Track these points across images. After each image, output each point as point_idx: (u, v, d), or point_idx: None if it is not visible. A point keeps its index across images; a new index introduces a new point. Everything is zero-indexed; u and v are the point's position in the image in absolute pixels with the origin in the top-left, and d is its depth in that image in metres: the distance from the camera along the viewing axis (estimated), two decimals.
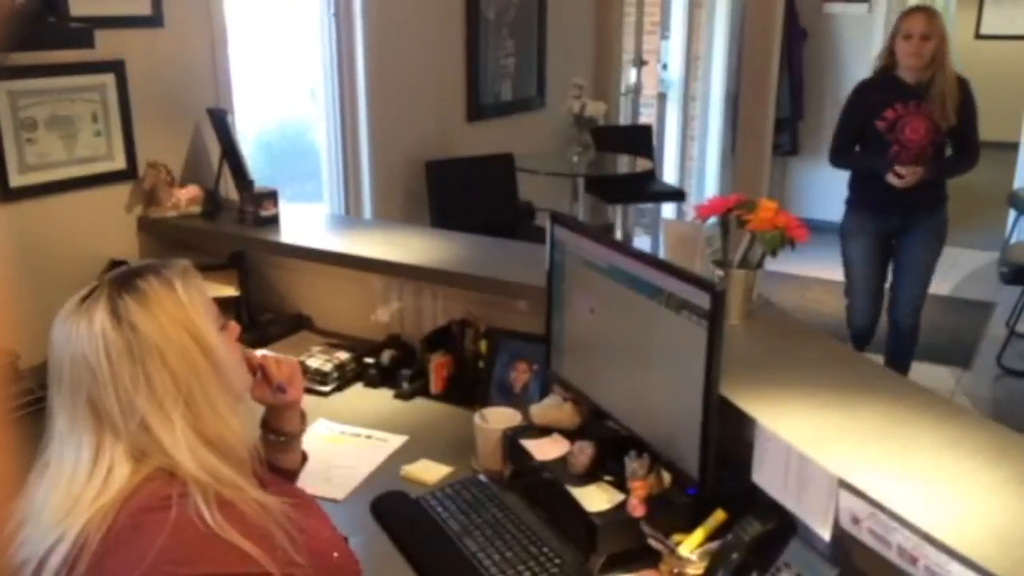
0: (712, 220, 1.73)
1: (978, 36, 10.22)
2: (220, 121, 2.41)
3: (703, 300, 1.29)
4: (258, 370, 1.30)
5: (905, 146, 3.37)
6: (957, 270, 5.84)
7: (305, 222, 2.44)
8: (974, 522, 1.02)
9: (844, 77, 6.65)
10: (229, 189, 2.48)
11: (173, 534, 0.94)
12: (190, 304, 1.05)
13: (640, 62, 5.63)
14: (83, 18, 2.10)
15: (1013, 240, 5.48)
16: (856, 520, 1.11)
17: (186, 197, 2.38)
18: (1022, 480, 1.11)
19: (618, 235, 4.89)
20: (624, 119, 5.55)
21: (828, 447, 1.21)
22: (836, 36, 6.61)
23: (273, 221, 2.32)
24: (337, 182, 3.29)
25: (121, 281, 1.05)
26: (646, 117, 5.89)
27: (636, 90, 5.72)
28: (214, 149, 2.49)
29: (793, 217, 1.62)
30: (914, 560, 1.02)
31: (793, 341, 1.65)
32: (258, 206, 2.31)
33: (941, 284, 5.61)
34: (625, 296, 1.48)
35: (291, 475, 1.40)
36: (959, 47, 10.52)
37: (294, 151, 3.56)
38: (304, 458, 1.44)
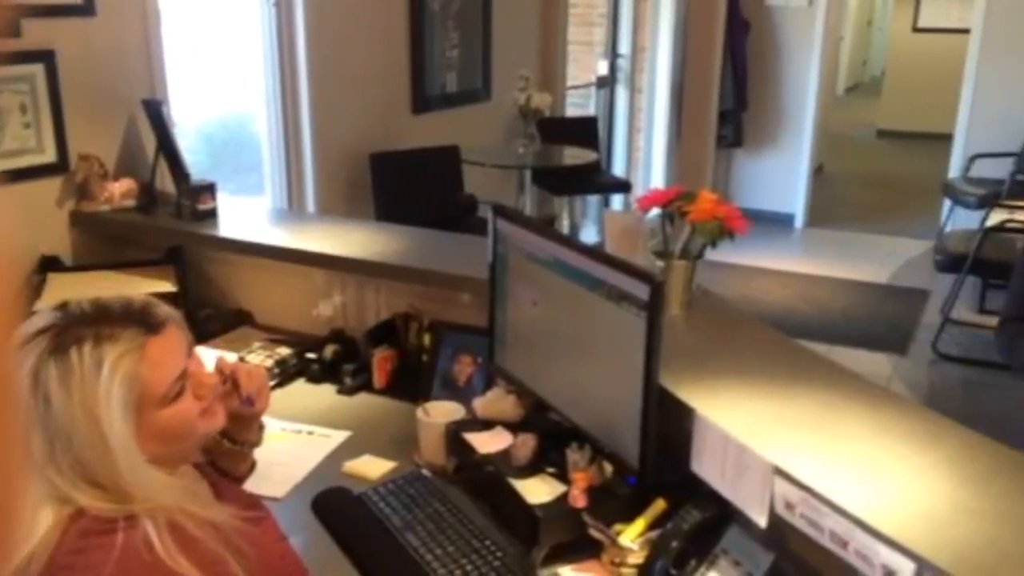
0: (654, 212, 1.74)
1: (915, 29, 10.48)
2: (155, 112, 2.35)
3: (642, 291, 1.30)
4: (229, 380, 1.27)
5: None
6: (894, 258, 5.99)
7: (245, 216, 2.39)
8: (901, 505, 1.05)
9: (787, 69, 6.77)
10: (166, 182, 2.43)
11: (119, 563, 0.91)
12: (107, 396, 0.99)
13: (613, 54, 5.66)
14: (9, 6, 2.03)
15: (948, 229, 5.64)
16: (790, 506, 1.13)
17: (120, 191, 2.32)
18: (949, 464, 1.14)
19: (565, 227, 4.91)
20: (593, 110, 5.58)
21: (764, 435, 1.23)
22: (779, 28, 6.71)
23: (211, 215, 2.28)
24: (279, 175, 3.24)
25: (59, 341, 1.00)
26: (592, 109, 5.92)
27: (611, 81, 5.75)
28: (150, 141, 2.43)
29: (733, 208, 1.64)
30: (844, 544, 1.05)
31: (732, 330, 1.67)
32: (195, 200, 2.26)
33: (879, 272, 5.75)
34: (566, 288, 1.48)
35: (239, 480, 1.38)
36: (897, 41, 10.80)
37: (237, 143, 3.50)
38: (253, 466, 1.42)
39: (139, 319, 1.05)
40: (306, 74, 3.19)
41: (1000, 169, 5.78)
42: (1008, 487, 1.07)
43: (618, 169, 6.21)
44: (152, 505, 0.98)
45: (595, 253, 1.43)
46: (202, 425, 1.13)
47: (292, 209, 3.26)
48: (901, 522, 1.01)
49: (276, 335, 2.19)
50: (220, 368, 1.24)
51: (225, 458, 1.33)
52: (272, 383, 1.98)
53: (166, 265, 2.21)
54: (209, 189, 2.28)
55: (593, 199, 5.86)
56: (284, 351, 2.04)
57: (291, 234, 2.27)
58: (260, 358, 2.00)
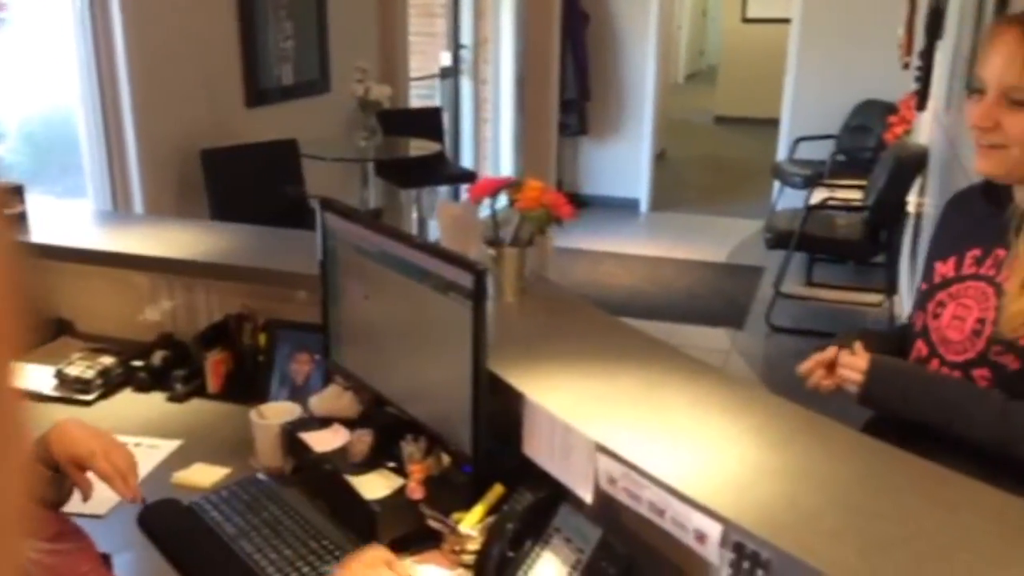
0: (502, 204, 1.75)
1: (745, 20, 11.04)
2: None
3: (466, 280, 1.31)
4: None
5: None
6: (731, 238, 6.31)
7: (61, 219, 2.25)
8: (713, 473, 1.10)
9: (626, 59, 6.99)
10: None
11: None
12: None
13: (456, 45, 5.65)
14: None
15: (778, 208, 5.99)
16: (613, 481, 1.17)
17: None
18: (758, 431, 1.21)
19: (413, 220, 4.88)
20: (439, 102, 5.55)
21: (588, 415, 1.26)
22: (616, 19, 6.92)
23: (20, 219, 2.13)
24: (101, 175, 3.06)
25: None
26: (438, 100, 5.91)
27: (455, 72, 5.73)
28: None
29: (559, 195, 1.68)
30: (662, 513, 1.09)
31: (564, 315, 1.71)
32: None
33: (718, 252, 6.05)
34: (395, 281, 1.47)
35: (54, 507, 1.29)
36: (729, 31, 11.34)
37: (64, 143, 3.28)
38: (70, 491, 1.33)
39: None
40: (125, 67, 3.02)
41: (822, 151, 6.19)
42: (805, 446, 1.15)
43: (467, 160, 6.24)
44: None
45: (420, 244, 1.43)
46: None
47: (117, 210, 3.09)
48: (710, 488, 1.06)
49: (100, 344, 2.07)
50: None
51: (41, 485, 1.24)
52: (94, 395, 1.88)
53: None
54: (17, 191, 2.13)
55: (444, 191, 5.86)
56: (107, 360, 1.94)
57: (113, 237, 2.15)
58: (79, 370, 1.89)
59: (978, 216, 1.36)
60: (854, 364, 1.34)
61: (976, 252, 1.33)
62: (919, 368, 1.35)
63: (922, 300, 1.40)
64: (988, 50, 1.24)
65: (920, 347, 1.38)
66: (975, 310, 1.29)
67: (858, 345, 1.37)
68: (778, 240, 4.79)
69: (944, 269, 1.37)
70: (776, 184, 6.51)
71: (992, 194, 1.34)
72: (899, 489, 1.07)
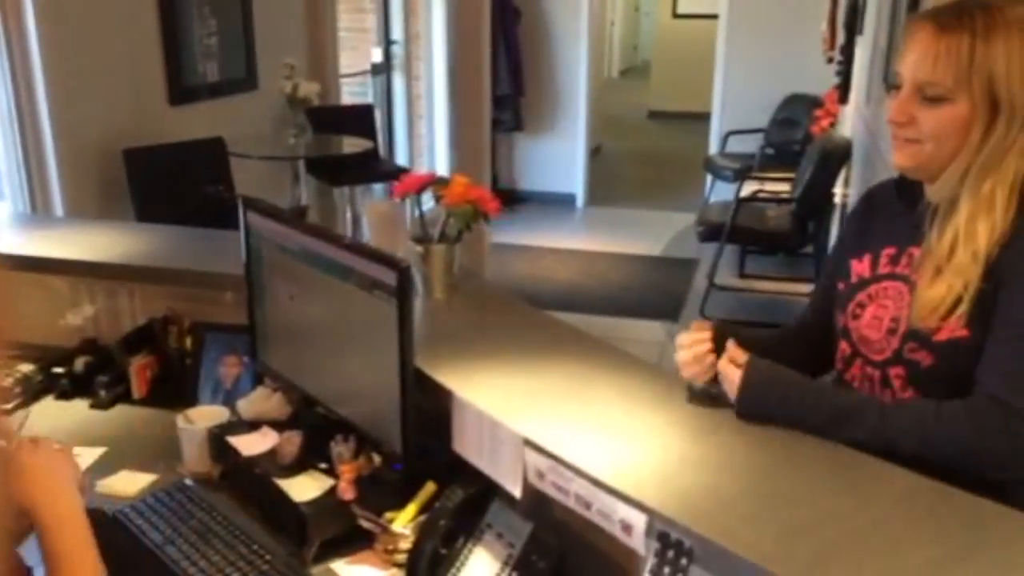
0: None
1: (675, 15, 11.19)
2: None
3: (390, 277, 1.30)
4: None
5: None
6: (667, 231, 6.40)
7: None
8: (637, 464, 1.12)
9: (558, 55, 7.03)
10: None
11: None
12: None
13: (387, 41, 5.60)
14: None
15: (710, 202, 6.10)
16: (541, 475, 1.18)
17: None
18: (683, 423, 1.23)
19: (347, 218, 4.84)
20: (371, 98, 5.50)
21: (516, 410, 1.27)
22: (548, 15, 6.95)
23: None
24: (18, 176, 2.95)
25: None
26: (371, 97, 5.86)
27: (387, 68, 5.68)
28: None
29: (484, 191, 1.68)
30: (588, 505, 1.11)
31: (493, 311, 1.72)
32: None
33: (653, 245, 6.13)
34: (319, 280, 1.46)
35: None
36: (661, 26, 11.48)
37: None
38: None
39: None
40: (39, 62, 2.92)
41: (752, 144, 6.32)
42: (726, 439, 1.18)
43: (401, 157, 6.20)
44: None
45: (343, 242, 1.42)
46: None
47: (36, 213, 2.99)
48: (635, 479, 1.08)
49: (18, 351, 2.00)
50: None
51: None
52: (13, 404, 1.81)
53: None
54: None
55: (379, 188, 5.82)
56: (26, 367, 1.88)
57: (31, 240, 2.09)
58: None
59: (891, 213, 1.38)
60: (737, 358, 1.27)
61: (890, 251, 1.35)
62: (795, 373, 1.28)
63: (842, 301, 1.41)
64: (904, 46, 1.26)
65: (844, 347, 1.40)
66: (891, 309, 1.31)
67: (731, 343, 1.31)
68: (710, 233, 4.87)
69: (860, 268, 1.39)
70: (708, 178, 6.62)
71: (904, 191, 1.36)
72: (814, 476, 1.10)
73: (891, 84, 1.29)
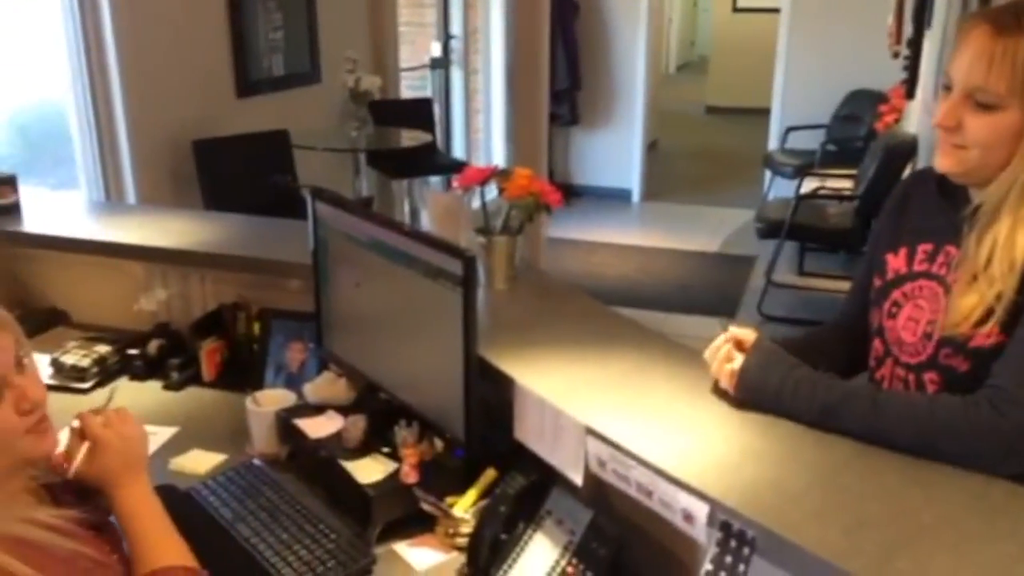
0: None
1: (736, 10, 11.05)
2: None
3: (456, 267, 1.32)
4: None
5: None
6: (724, 228, 6.34)
7: (54, 210, 2.26)
8: (698, 455, 1.13)
9: (616, 50, 7.00)
10: None
11: None
12: None
13: (447, 36, 5.64)
14: None
15: (769, 198, 6.02)
16: (602, 463, 1.19)
17: None
18: (745, 415, 1.23)
19: (406, 210, 4.90)
20: (430, 92, 5.56)
21: (578, 398, 1.29)
22: (606, 10, 6.92)
23: (13, 210, 2.14)
24: (94, 166, 3.06)
25: None
26: (430, 91, 5.92)
27: (446, 63, 5.73)
28: None
29: (546, 183, 1.69)
30: (650, 494, 1.12)
31: (553, 302, 1.73)
32: None
33: (710, 242, 6.08)
34: (386, 268, 1.49)
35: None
36: (720, 21, 11.35)
37: (56, 135, 3.28)
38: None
39: None
40: (115, 58, 3.02)
41: (812, 140, 6.21)
42: (790, 430, 1.17)
43: (458, 151, 6.25)
44: None
45: (409, 231, 1.45)
46: (26, 444, 1.05)
47: (110, 201, 3.10)
48: (697, 469, 1.09)
49: (95, 333, 2.08)
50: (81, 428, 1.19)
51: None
52: (90, 383, 1.89)
53: None
54: (9, 182, 2.14)
55: (435, 181, 5.87)
56: (103, 349, 1.95)
57: (106, 227, 2.16)
58: (76, 358, 1.90)
59: (931, 208, 1.34)
60: (746, 341, 1.27)
61: (927, 247, 1.31)
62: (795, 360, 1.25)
63: (878, 297, 1.38)
64: (958, 47, 1.21)
65: (877, 346, 1.37)
66: (927, 312, 1.27)
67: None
68: (769, 230, 4.81)
69: (896, 263, 1.35)
70: (767, 174, 6.54)
71: (946, 187, 1.32)
72: (882, 471, 1.09)
73: (944, 85, 1.24)
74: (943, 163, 1.24)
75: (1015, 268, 1.15)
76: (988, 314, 1.16)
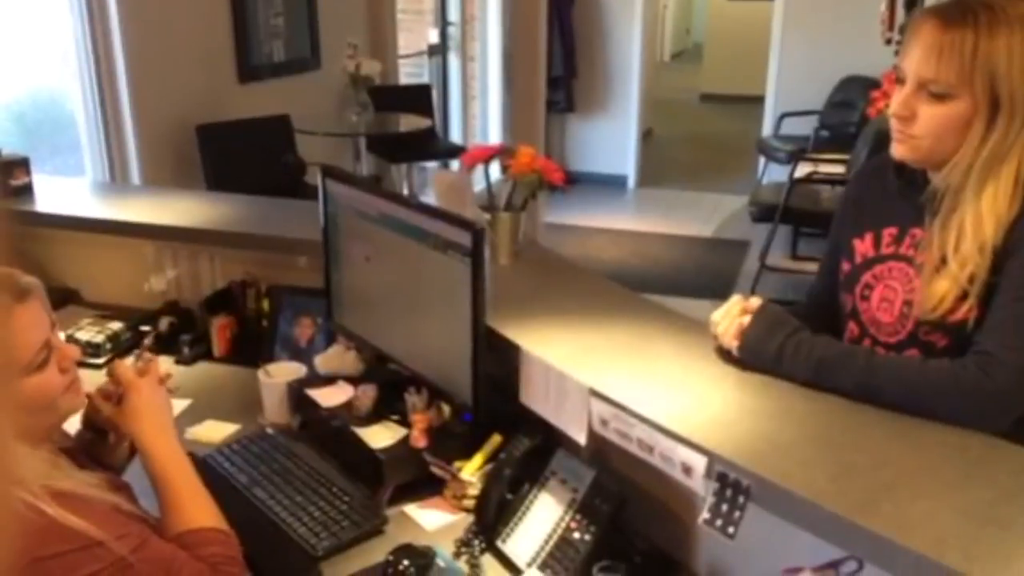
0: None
1: None
2: None
3: (465, 239, 1.38)
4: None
5: None
6: (718, 213, 6.40)
7: (64, 191, 2.31)
8: (696, 411, 1.19)
9: (612, 38, 7.03)
10: None
11: None
12: None
13: (444, 22, 5.67)
14: None
15: (763, 183, 6.07)
16: (604, 422, 1.25)
17: None
18: (740, 376, 1.30)
19: (405, 193, 4.94)
20: (427, 78, 5.59)
21: (582, 363, 1.35)
22: None
23: (26, 191, 2.19)
24: (99, 151, 3.10)
25: None
26: (427, 77, 5.95)
27: (443, 49, 5.75)
28: None
29: (549, 161, 1.75)
30: (651, 449, 1.18)
31: (555, 276, 1.79)
32: (7, 175, 2.16)
33: (704, 227, 6.13)
34: (396, 242, 1.55)
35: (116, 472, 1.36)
36: (714, 9, 11.37)
37: (53, 123, 3.31)
38: (131, 455, 1.38)
39: (5, 286, 1.04)
40: (120, 46, 3.06)
41: (806, 126, 6.26)
42: (782, 390, 1.24)
43: (455, 136, 6.29)
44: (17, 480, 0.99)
45: (420, 206, 1.50)
46: (65, 401, 1.13)
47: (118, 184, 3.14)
48: (695, 425, 1.15)
49: (107, 312, 2.14)
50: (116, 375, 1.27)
51: (97, 448, 1.32)
52: (104, 359, 1.94)
53: None
54: (22, 164, 2.19)
55: (433, 166, 5.91)
56: (116, 326, 2.01)
57: (115, 207, 2.21)
58: (90, 335, 1.96)
59: (891, 192, 1.39)
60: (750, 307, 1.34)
61: (892, 231, 1.36)
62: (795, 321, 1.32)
63: (848, 282, 1.43)
64: (908, 42, 1.27)
65: (852, 327, 1.42)
66: (901, 292, 1.33)
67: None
68: (763, 213, 4.87)
69: (863, 247, 1.40)
70: (761, 159, 6.59)
71: (904, 171, 1.37)
72: (868, 425, 1.16)
73: (897, 77, 1.29)
74: (898, 150, 1.30)
75: (985, 250, 1.21)
76: (963, 295, 1.22)
